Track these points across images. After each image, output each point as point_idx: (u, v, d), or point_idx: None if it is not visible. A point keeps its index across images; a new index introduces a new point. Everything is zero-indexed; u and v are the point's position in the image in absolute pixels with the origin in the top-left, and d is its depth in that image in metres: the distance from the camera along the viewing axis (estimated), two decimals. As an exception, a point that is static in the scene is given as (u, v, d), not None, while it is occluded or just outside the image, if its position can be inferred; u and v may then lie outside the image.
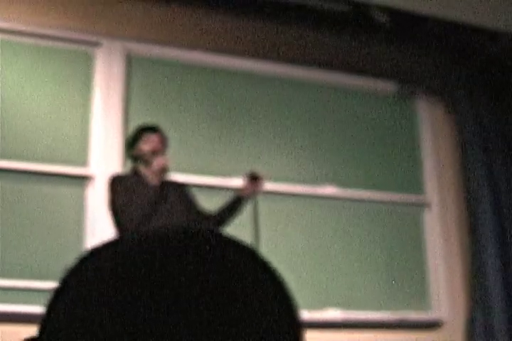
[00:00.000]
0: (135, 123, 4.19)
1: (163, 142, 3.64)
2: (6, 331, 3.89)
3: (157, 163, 3.51)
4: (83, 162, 4.40)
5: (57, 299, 0.54)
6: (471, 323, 5.09)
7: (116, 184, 3.48)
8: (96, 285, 0.52)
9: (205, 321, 0.50)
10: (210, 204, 4.37)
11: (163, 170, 3.53)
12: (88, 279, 0.53)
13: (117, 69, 4.66)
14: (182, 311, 0.50)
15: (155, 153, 3.56)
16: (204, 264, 0.52)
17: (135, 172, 3.59)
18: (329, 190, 5.00)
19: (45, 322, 0.54)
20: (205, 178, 4.68)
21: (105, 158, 4.44)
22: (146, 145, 3.58)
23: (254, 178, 3.70)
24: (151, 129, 3.66)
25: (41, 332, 0.54)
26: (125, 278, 0.51)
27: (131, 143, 3.65)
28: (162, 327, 0.49)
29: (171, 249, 0.53)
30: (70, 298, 0.53)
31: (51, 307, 0.55)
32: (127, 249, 0.54)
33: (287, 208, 4.83)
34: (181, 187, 3.69)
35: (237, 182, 4.66)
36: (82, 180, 4.36)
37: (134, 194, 3.43)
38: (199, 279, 0.51)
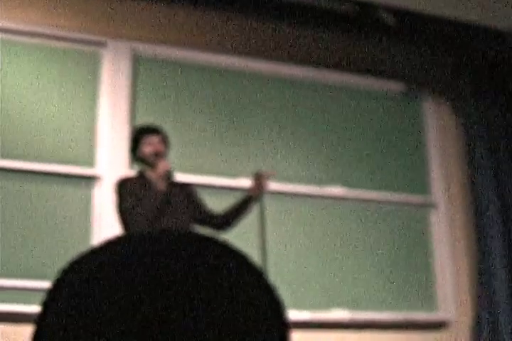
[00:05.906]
0: (142, 123, 4.18)
1: (165, 142, 3.60)
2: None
3: (162, 166, 3.47)
4: (90, 162, 4.41)
5: (53, 296, 0.56)
6: (477, 323, 5.09)
7: (123, 188, 3.46)
8: (88, 283, 0.54)
9: (193, 319, 0.52)
10: (217, 204, 4.38)
11: (168, 173, 3.49)
12: (80, 278, 0.56)
13: (124, 70, 4.66)
14: (173, 309, 0.52)
15: (158, 155, 3.52)
16: (196, 267, 0.55)
17: (141, 175, 3.56)
18: (336, 190, 5.00)
19: (43, 312, 0.56)
20: (213, 179, 4.68)
21: (112, 158, 4.44)
22: (148, 147, 3.53)
23: (260, 178, 3.68)
24: (151, 130, 3.59)
25: (40, 322, 0.55)
26: (119, 276, 0.54)
27: (133, 147, 3.62)
28: (157, 323, 0.51)
29: (164, 251, 0.55)
30: (66, 295, 0.55)
31: (49, 301, 0.56)
32: (122, 249, 0.57)
33: (294, 208, 4.83)
34: (187, 189, 3.66)
35: (245, 182, 4.67)
36: (89, 180, 4.37)
37: (140, 198, 3.41)
38: (190, 281, 0.53)
